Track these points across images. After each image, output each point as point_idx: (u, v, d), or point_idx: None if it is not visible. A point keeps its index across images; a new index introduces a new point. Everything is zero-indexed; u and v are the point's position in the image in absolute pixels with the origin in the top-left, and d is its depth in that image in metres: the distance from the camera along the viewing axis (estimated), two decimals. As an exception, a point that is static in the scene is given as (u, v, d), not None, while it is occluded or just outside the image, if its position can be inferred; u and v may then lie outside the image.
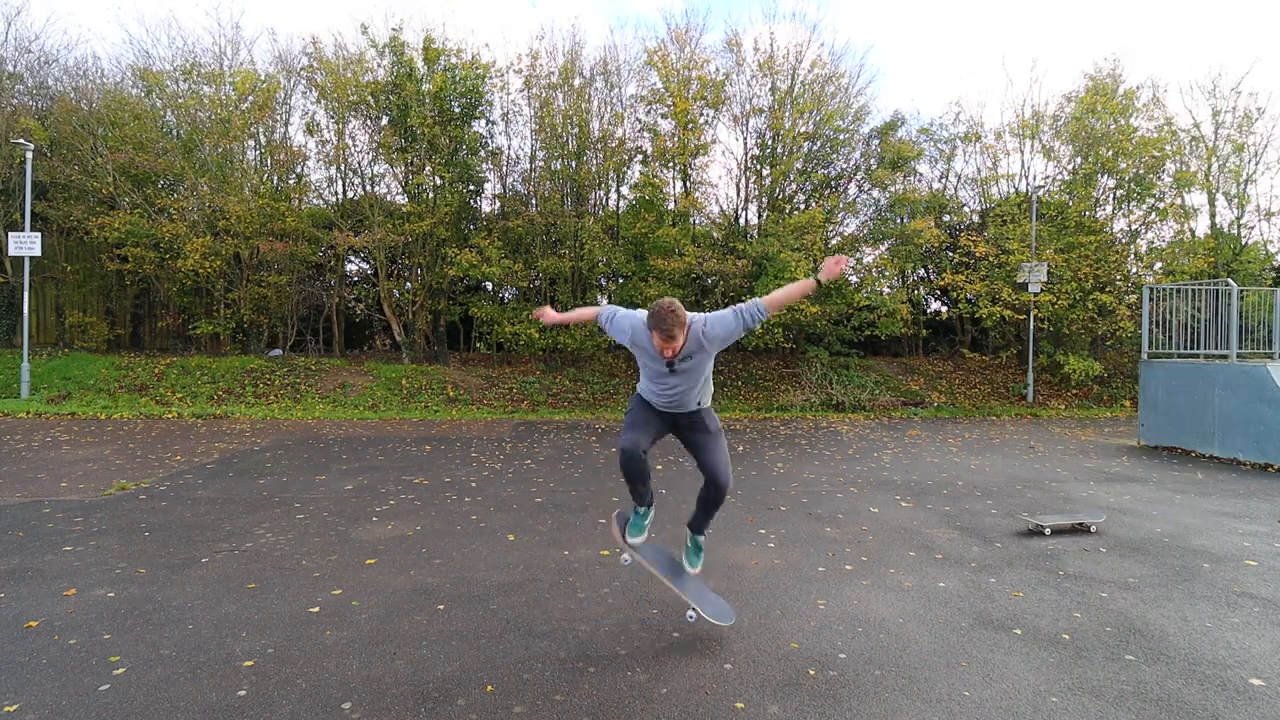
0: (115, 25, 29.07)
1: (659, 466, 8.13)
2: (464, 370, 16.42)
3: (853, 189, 18.70)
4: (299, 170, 17.64)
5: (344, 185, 18.19)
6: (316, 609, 3.78)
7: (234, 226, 15.36)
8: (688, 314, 3.16)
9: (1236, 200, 18.58)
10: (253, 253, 16.00)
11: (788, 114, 16.95)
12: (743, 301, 3.23)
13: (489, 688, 2.95)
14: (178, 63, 16.91)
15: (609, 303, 18.40)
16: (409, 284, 17.33)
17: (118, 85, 17.27)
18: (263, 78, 16.88)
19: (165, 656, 3.19)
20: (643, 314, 3.28)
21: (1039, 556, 4.86)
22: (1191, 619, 3.77)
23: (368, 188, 17.46)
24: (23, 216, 14.66)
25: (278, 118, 17.39)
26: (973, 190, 20.29)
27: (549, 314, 3.69)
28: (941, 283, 18.54)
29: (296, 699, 2.84)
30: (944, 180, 20.46)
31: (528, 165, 18.04)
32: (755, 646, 3.37)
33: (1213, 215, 18.86)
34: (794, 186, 17.98)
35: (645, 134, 17.36)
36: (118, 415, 12.16)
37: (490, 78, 16.73)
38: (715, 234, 18.32)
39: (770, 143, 17.42)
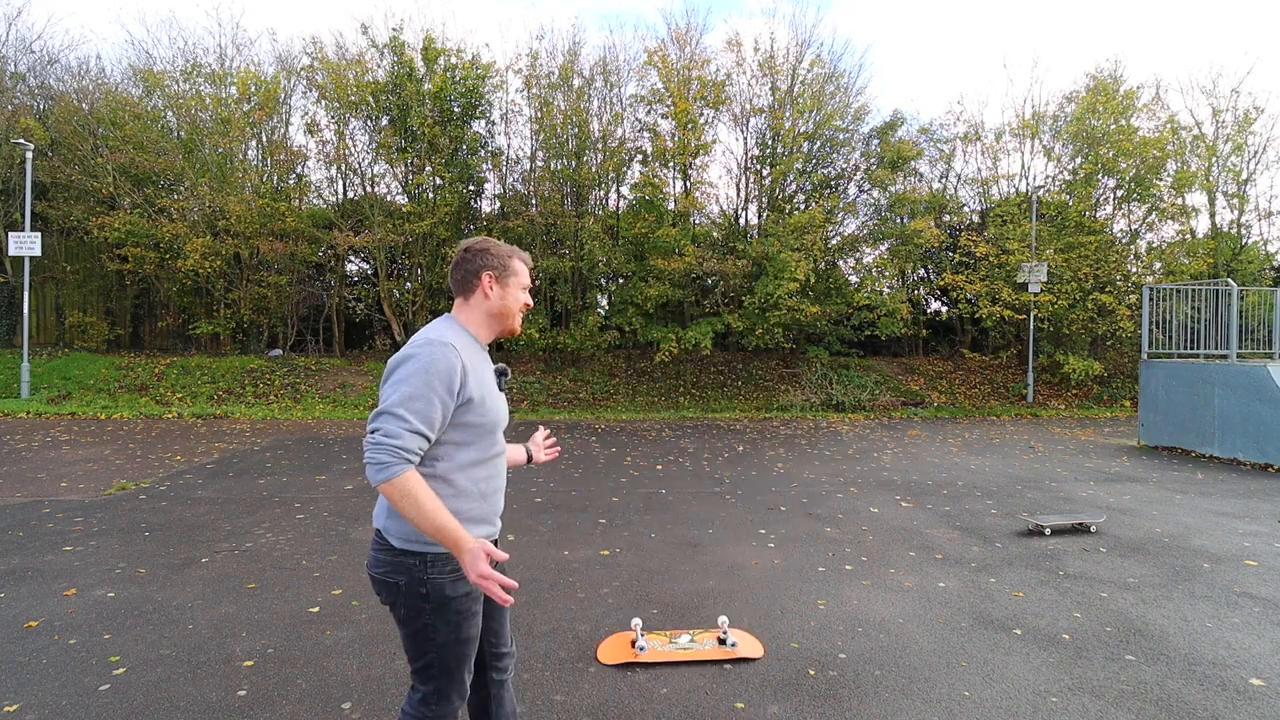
0: (116, 26, 29.16)
1: (659, 466, 8.11)
2: (464, 370, 16.38)
3: (853, 189, 18.71)
4: (299, 170, 17.64)
5: (344, 185, 18.20)
6: (316, 609, 3.78)
7: (234, 226, 15.36)
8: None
9: (1236, 200, 18.59)
10: (253, 253, 16.00)
11: (788, 114, 16.95)
12: None
13: (489, 688, 2.94)
14: (178, 63, 16.95)
15: (608, 303, 18.38)
16: (409, 284, 17.33)
17: (119, 85, 17.29)
18: (264, 78, 16.89)
19: (165, 656, 3.19)
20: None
21: (1039, 556, 4.86)
22: (1191, 619, 3.77)
23: (368, 188, 17.47)
24: (23, 216, 14.66)
25: (278, 118, 17.40)
26: (973, 190, 20.29)
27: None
28: (941, 283, 18.53)
29: (296, 699, 2.84)
30: (944, 180, 20.46)
31: (528, 165, 18.04)
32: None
33: (1213, 215, 18.87)
34: (794, 186, 17.98)
35: (645, 134, 17.36)
36: (118, 415, 12.16)
37: (490, 78, 16.76)
38: (715, 234, 18.33)
39: (770, 143, 17.42)
